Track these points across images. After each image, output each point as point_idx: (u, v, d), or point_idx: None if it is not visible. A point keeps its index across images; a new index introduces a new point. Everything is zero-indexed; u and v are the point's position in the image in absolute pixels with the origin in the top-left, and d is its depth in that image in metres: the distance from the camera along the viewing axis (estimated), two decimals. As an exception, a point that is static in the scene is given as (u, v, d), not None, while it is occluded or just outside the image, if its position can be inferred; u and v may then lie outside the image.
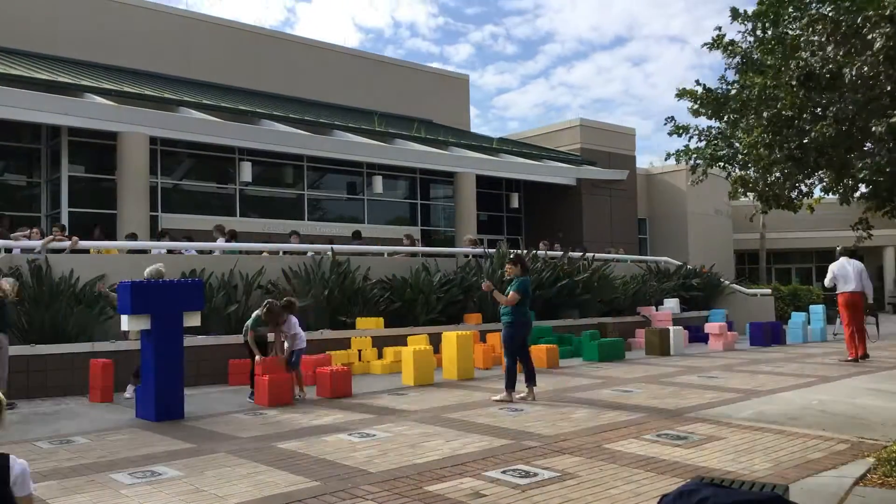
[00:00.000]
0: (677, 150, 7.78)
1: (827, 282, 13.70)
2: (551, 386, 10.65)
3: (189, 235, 16.30)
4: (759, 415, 7.97)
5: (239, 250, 14.44)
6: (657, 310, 18.57)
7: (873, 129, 5.93)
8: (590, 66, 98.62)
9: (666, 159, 8.12)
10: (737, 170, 7.56)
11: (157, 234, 16.58)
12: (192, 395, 9.98)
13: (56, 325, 10.88)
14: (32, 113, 15.29)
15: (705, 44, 7.31)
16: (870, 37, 5.49)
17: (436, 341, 12.76)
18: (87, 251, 12.48)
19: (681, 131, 7.59)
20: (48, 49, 20.14)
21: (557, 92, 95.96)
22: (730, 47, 7.29)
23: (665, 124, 7.80)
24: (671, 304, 19.17)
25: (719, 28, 7.35)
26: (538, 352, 13.21)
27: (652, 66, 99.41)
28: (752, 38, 7.14)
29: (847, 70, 5.81)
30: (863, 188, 7.21)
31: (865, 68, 5.69)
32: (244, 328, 10.15)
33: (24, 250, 11.85)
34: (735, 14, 7.11)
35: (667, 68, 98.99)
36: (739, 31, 7.23)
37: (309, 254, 14.62)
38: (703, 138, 7.63)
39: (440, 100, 28.90)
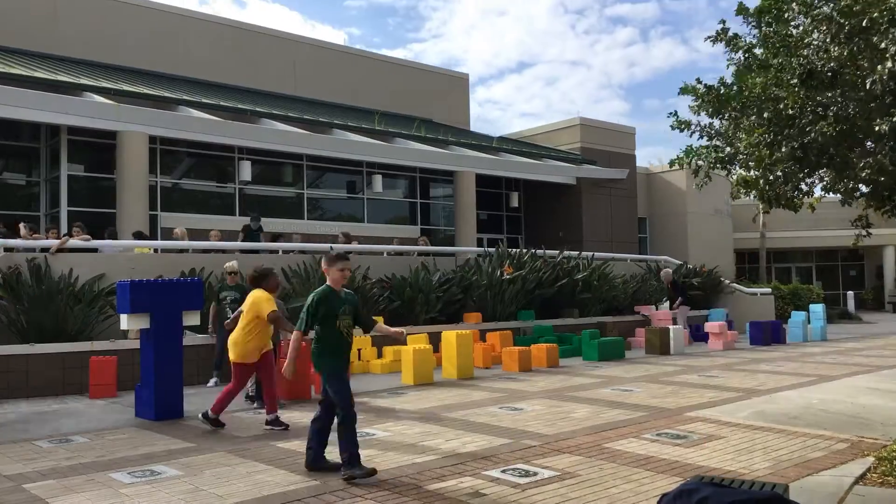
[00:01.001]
0: (679, 156, 7.78)
1: None
2: (551, 385, 10.64)
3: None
4: (759, 414, 7.96)
5: (240, 249, 14.43)
6: (657, 308, 18.54)
7: (876, 128, 5.92)
8: (507, 85, 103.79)
9: (671, 166, 8.11)
10: (738, 169, 7.55)
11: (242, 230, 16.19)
12: (192, 393, 9.98)
13: (56, 325, 10.87)
14: (32, 112, 15.28)
15: (708, 37, 7.29)
16: (882, 45, 5.46)
17: (435, 340, 12.76)
18: (78, 250, 12.37)
19: (682, 126, 7.57)
20: (48, 48, 20.11)
21: (486, 108, 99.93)
22: (733, 41, 7.26)
23: (668, 116, 7.78)
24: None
25: (723, 22, 7.32)
26: (538, 351, 13.21)
27: (565, 85, 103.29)
28: (756, 33, 7.12)
29: (849, 71, 5.80)
30: (863, 188, 7.20)
31: (885, 75, 5.65)
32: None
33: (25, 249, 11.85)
34: (741, 10, 7.08)
35: (579, 87, 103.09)
36: (744, 23, 7.21)
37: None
38: (703, 135, 7.61)
39: (440, 99, 28.87)
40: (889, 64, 5.50)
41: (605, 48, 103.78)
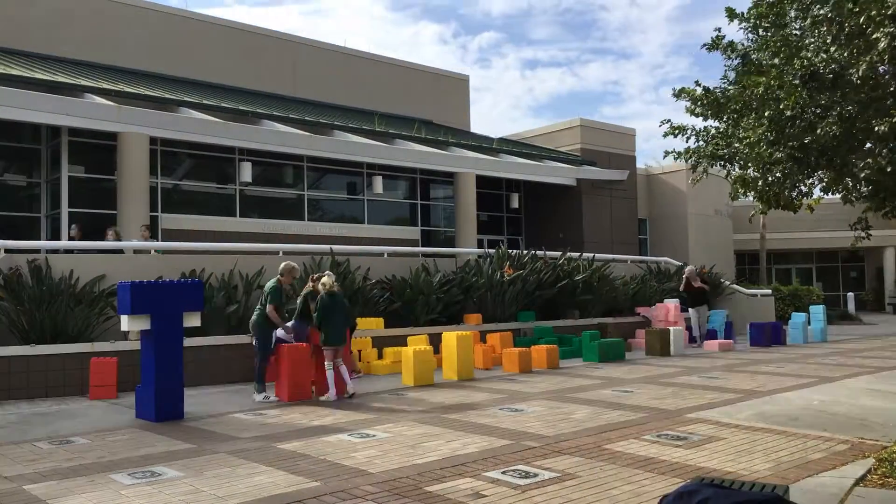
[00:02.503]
0: (676, 151, 7.79)
1: None
2: (552, 386, 10.64)
3: None
4: (760, 415, 7.96)
5: (240, 250, 14.44)
6: (653, 309, 18.45)
7: (876, 128, 5.92)
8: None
9: (664, 157, 8.15)
10: (736, 169, 7.56)
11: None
12: (193, 395, 9.98)
13: (56, 325, 10.87)
14: (32, 113, 15.29)
15: (704, 45, 7.33)
16: (874, 36, 5.48)
17: (436, 341, 12.75)
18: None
19: (677, 132, 7.59)
20: (48, 49, 20.11)
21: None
22: (729, 48, 7.29)
23: (660, 125, 7.80)
24: (671, 305, 19.15)
25: (718, 29, 7.35)
26: (538, 352, 13.20)
27: (479, 107, 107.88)
28: (752, 37, 7.14)
29: (853, 71, 5.80)
30: (863, 188, 7.21)
31: (864, 66, 5.69)
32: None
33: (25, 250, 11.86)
34: (731, 14, 7.11)
35: (493, 107, 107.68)
36: (740, 29, 7.24)
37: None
38: (700, 139, 7.63)
39: (440, 100, 28.88)
40: (875, 52, 5.52)
41: (498, 74, 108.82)
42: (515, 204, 26.17)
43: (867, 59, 5.65)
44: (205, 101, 19.11)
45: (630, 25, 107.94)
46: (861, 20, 5.57)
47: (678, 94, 7.50)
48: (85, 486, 5.56)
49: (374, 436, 7.19)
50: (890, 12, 5.36)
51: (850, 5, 5.58)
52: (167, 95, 18.66)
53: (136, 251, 13.99)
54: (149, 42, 21.92)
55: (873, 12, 5.41)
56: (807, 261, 37.43)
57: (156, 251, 14.14)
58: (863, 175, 6.38)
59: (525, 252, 17.45)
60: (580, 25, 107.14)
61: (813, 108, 6.56)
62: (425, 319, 14.41)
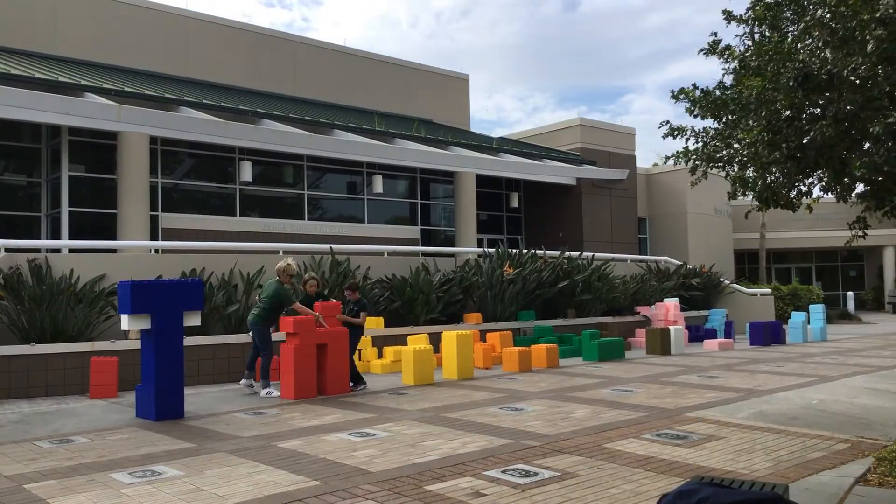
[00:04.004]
0: (676, 152, 7.80)
1: None
2: (551, 385, 10.65)
3: None
4: (759, 414, 7.98)
5: (240, 250, 14.45)
6: (653, 308, 18.46)
7: (871, 129, 5.94)
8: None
9: (665, 162, 8.16)
10: (735, 169, 7.58)
11: None
12: (193, 394, 9.99)
13: (56, 325, 10.88)
14: (33, 112, 15.29)
15: (701, 49, 7.34)
16: (860, 38, 5.51)
17: (436, 341, 12.77)
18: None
19: (675, 133, 7.60)
20: (48, 49, 20.12)
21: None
22: (726, 52, 7.31)
23: (659, 127, 7.81)
24: (671, 304, 19.17)
25: (714, 34, 7.36)
26: (538, 351, 13.22)
27: None
28: (749, 43, 7.16)
29: (848, 72, 5.82)
30: (861, 187, 7.23)
31: (862, 69, 5.71)
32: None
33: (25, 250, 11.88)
34: (729, 16, 7.13)
35: None
36: (737, 35, 7.26)
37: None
38: (699, 139, 7.65)
39: (440, 99, 28.89)
40: (865, 51, 5.53)
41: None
42: (515, 203, 26.18)
43: (860, 61, 5.66)
44: (205, 101, 19.11)
45: (475, 57, 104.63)
46: (853, 24, 5.58)
47: (677, 96, 7.52)
48: (85, 484, 5.57)
49: (374, 435, 7.20)
50: (878, 15, 5.37)
51: (843, 9, 5.60)
52: (167, 95, 18.66)
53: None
54: (149, 42, 21.92)
55: (865, 16, 5.42)
56: (806, 260, 37.45)
57: (156, 250, 14.16)
58: (860, 174, 6.39)
59: (525, 251, 17.46)
60: (435, 58, 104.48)
61: (809, 108, 6.58)
62: (425, 318, 14.42)
